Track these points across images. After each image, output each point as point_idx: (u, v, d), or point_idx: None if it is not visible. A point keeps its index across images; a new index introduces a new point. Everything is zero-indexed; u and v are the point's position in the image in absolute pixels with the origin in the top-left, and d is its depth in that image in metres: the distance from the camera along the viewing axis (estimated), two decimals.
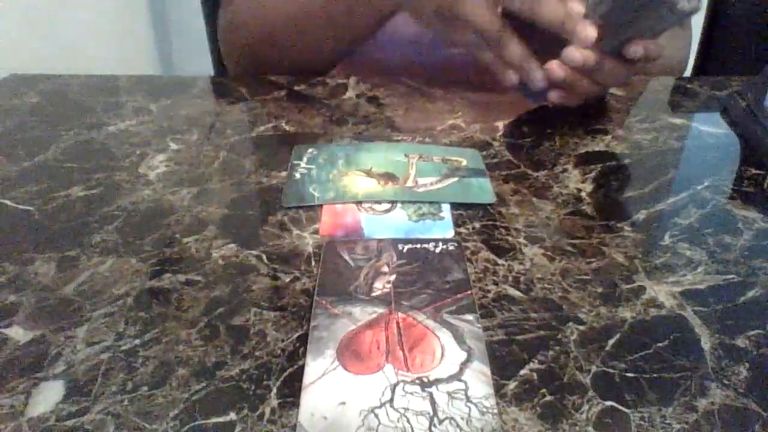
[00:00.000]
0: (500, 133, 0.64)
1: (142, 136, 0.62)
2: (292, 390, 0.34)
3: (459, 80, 0.76)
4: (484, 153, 0.59)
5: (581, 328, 0.38)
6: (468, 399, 0.33)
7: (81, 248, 0.45)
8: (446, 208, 0.50)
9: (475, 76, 0.75)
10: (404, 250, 0.45)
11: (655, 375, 0.35)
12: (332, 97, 0.72)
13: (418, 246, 0.45)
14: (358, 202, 0.51)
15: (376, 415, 0.32)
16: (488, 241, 0.46)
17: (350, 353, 0.35)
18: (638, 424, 0.32)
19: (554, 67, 0.60)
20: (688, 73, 0.95)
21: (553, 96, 0.63)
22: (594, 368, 0.35)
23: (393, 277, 0.42)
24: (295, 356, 0.36)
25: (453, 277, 0.42)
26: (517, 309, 0.40)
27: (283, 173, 0.55)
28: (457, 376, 0.34)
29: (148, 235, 0.47)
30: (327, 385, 0.33)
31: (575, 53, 0.59)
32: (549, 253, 0.45)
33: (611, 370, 0.35)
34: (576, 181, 0.55)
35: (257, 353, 0.36)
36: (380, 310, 0.39)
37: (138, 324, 0.38)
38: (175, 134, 0.63)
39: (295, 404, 0.33)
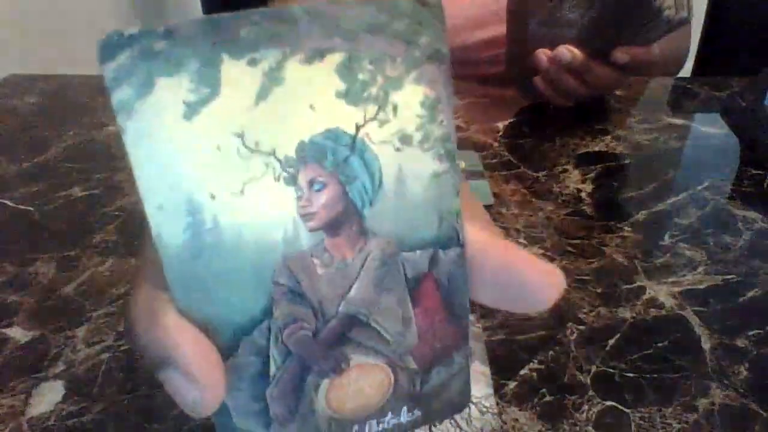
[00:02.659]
0: (500, 133, 0.64)
1: None
2: None
3: (459, 80, 0.76)
4: (484, 153, 0.59)
5: (581, 328, 0.38)
6: None
7: (81, 248, 0.45)
8: None
9: (487, 70, 0.75)
10: None
11: (655, 375, 0.35)
12: None
13: None
14: None
15: None
16: None
17: None
18: (638, 424, 0.32)
19: (563, 50, 0.61)
20: (688, 73, 0.95)
21: (538, 81, 0.65)
22: (594, 368, 0.35)
23: None
24: None
25: None
26: None
27: None
28: None
29: None
30: None
31: (565, 52, 0.60)
32: (549, 253, 0.45)
33: (611, 370, 0.35)
34: (576, 181, 0.55)
35: None
36: None
37: None
38: None
39: None
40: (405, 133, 0.17)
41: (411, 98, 0.17)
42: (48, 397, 0.33)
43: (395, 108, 0.17)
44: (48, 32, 1.16)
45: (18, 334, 0.38)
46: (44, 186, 0.53)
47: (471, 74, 0.76)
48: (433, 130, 0.17)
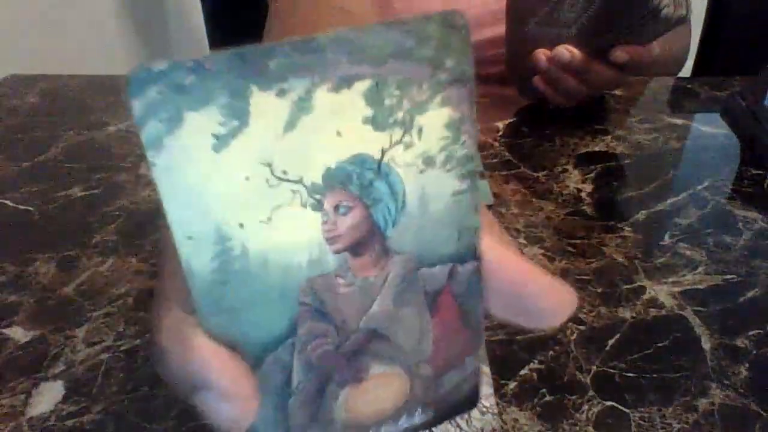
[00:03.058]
0: (500, 133, 0.64)
1: None
2: None
3: None
4: (484, 153, 0.59)
5: (581, 328, 0.38)
6: None
7: (81, 248, 0.45)
8: None
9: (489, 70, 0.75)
10: None
11: (655, 375, 0.35)
12: None
13: None
14: None
15: None
16: None
17: None
18: (638, 424, 0.32)
19: (562, 49, 0.61)
20: (688, 72, 0.95)
21: (538, 81, 0.65)
22: (594, 368, 0.35)
23: None
24: None
25: None
26: None
27: None
28: None
29: (148, 235, 0.47)
30: None
31: (564, 51, 0.60)
32: (549, 253, 0.45)
33: (611, 370, 0.35)
34: (576, 181, 0.55)
35: None
36: None
37: (138, 324, 0.38)
38: None
39: None
40: (429, 155, 0.17)
41: (436, 121, 0.17)
42: (48, 397, 0.33)
43: (420, 131, 0.17)
44: (48, 32, 1.16)
45: (18, 334, 0.38)
46: (44, 186, 0.53)
47: None
48: (456, 150, 0.17)
